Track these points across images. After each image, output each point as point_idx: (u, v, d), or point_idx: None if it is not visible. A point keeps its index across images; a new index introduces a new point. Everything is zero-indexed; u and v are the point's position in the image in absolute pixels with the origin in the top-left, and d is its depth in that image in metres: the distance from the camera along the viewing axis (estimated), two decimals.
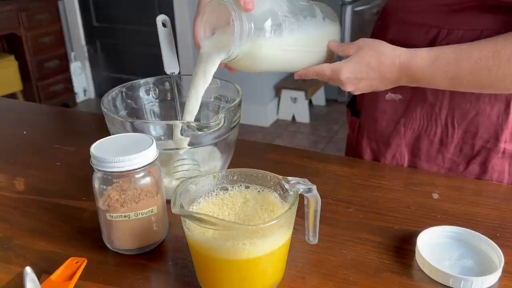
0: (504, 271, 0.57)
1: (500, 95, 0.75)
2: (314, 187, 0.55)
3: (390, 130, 0.86)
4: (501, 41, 0.64)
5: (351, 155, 0.95)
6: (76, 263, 0.59)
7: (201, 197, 0.58)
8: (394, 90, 0.83)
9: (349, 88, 0.74)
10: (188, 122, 0.65)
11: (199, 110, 0.83)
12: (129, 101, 0.80)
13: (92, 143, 0.60)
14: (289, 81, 3.42)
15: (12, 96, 3.23)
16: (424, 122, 0.82)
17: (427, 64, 0.68)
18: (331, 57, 0.80)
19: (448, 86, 0.71)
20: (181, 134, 0.67)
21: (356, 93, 0.76)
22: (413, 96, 0.81)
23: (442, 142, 0.82)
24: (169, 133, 0.71)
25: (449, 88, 0.73)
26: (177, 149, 0.70)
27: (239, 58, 0.67)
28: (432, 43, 0.75)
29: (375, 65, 0.71)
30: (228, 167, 0.78)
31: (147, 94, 0.83)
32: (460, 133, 0.80)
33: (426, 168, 0.84)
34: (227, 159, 0.77)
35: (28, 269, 0.51)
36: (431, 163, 0.84)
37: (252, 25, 0.65)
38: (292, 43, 0.71)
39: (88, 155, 0.58)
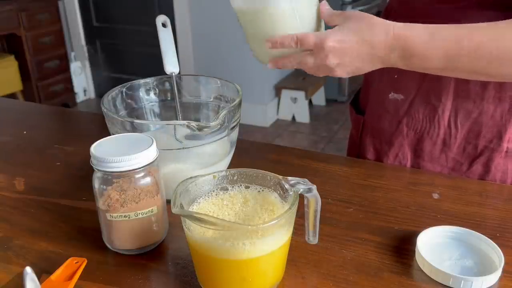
0: (504, 271, 0.57)
1: (504, 95, 0.75)
2: (314, 187, 0.55)
3: (392, 129, 0.86)
4: (503, 25, 0.62)
5: (354, 154, 0.95)
6: (76, 263, 0.59)
7: (201, 197, 0.58)
8: (397, 89, 0.83)
9: (332, 60, 0.65)
10: (188, 122, 0.65)
11: (199, 110, 0.83)
12: (129, 101, 0.80)
13: (92, 143, 0.60)
14: (289, 81, 3.42)
15: (12, 96, 3.23)
16: (427, 123, 0.82)
17: (426, 39, 0.63)
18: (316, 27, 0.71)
19: (442, 66, 0.65)
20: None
21: (338, 72, 0.67)
22: (416, 96, 0.81)
23: (445, 142, 0.82)
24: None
25: (441, 71, 0.67)
26: (177, 149, 0.70)
27: None
28: None
29: (367, 35, 0.64)
30: (228, 167, 0.78)
31: (147, 94, 0.83)
32: (464, 133, 0.80)
33: (429, 168, 0.84)
34: (227, 159, 0.77)
35: (28, 269, 0.51)
36: (434, 163, 0.84)
37: None
38: None
39: (88, 155, 0.58)
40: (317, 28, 0.71)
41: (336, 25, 0.67)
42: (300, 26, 0.68)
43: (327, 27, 0.71)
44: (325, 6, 0.70)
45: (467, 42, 0.62)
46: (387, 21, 0.65)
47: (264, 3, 0.66)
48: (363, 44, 0.64)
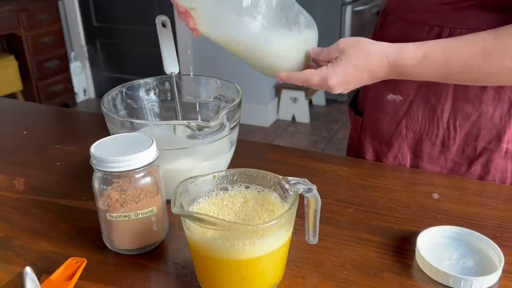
0: (504, 271, 0.57)
1: (503, 96, 0.75)
2: (314, 187, 0.55)
3: (392, 130, 0.86)
4: (491, 38, 0.64)
5: (353, 155, 0.95)
6: (76, 263, 0.59)
7: (201, 197, 0.58)
8: (395, 91, 0.83)
9: (338, 91, 0.73)
10: (188, 122, 0.65)
11: (199, 110, 0.83)
12: (129, 101, 0.80)
13: (92, 143, 0.60)
14: None
15: (12, 96, 3.23)
16: (426, 124, 0.82)
17: (416, 63, 0.68)
18: (308, 59, 0.76)
19: (436, 80, 0.71)
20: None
21: (345, 93, 0.75)
22: (415, 97, 0.81)
23: (444, 144, 0.82)
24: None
25: (437, 82, 0.73)
26: (177, 149, 0.70)
27: (199, 11, 0.65)
28: None
29: (363, 66, 0.70)
30: (228, 167, 0.78)
31: (147, 94, 0.83)
32: (462, 135, 0.80)
33: (428, 169, 0.84)
34: (227, 159, 0.77)
35: (28, 269, 0.51)
36: (433, 164, 0.84)
37: None
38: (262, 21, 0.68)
39: (88, 155, 0.58)
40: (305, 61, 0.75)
41: (335, 57, 0.71)
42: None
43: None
44: (315, 50, 0.75)
45: (455, 61, 0.66)
46: (381, 46, 0.70)
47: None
48: (364, 72, 0.70)
